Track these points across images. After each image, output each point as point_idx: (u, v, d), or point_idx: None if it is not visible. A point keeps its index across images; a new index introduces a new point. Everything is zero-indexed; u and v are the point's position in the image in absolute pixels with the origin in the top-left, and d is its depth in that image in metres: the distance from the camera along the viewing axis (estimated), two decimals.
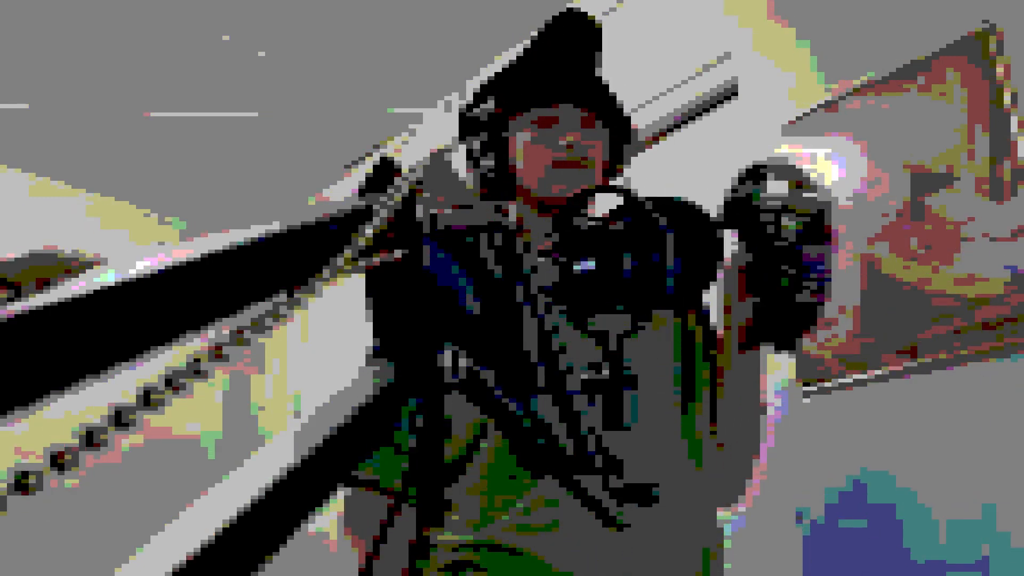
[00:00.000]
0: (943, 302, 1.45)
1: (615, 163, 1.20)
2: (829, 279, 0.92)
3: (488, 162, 1.13)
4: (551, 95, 1.13)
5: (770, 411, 1.65)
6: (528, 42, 1.14)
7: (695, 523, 1.03)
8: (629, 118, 1.21)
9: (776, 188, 0.93)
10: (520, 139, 1.12)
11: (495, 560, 0.95)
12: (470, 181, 1.16)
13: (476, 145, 1.14)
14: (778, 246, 0.91)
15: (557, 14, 1.12)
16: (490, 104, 1.13)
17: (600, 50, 1.16)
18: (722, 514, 1.08)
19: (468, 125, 1.16)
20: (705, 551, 1.03)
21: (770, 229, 0.91)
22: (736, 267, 0.98)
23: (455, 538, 0.98)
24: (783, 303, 0.92)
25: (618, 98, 1.18)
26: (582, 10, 1.12)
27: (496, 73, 1.17)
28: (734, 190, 0.94)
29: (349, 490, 1.05)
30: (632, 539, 0.94)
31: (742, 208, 0.93)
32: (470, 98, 1.18)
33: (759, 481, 1.15)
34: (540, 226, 1.12)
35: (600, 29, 1.14)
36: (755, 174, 0.94)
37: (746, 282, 0.97)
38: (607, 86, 1.17)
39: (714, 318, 1.11)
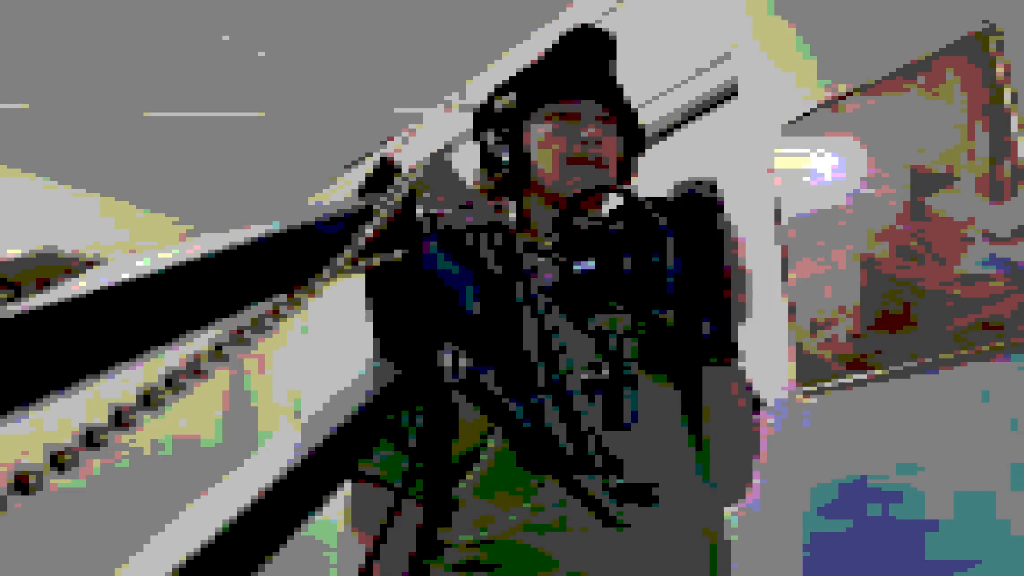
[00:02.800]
0: (943, 302, 1.45)
1: (627, 169, 1.22)
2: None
3: (504, 155, 1.14)
4: (573, 90, 1.14)
5: (770, 412, 1.65)
6: (548, 47, 1.16)
7: (701, 522, 1.03)
8: (643, 129, 1.23)
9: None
10: (538, 132, 1.13)
11: (505, 558, 0.95)
12: (482, 176, 1.17)
13: (491, 139, 1.15)
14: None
15: (574, 28, 1.15)
16: (510, 98, 1.15)
17: (615, 59, 1.18)
18: (726, 515, 1.09)
19: (484, 120, 1.18)
20: (712, 551, 1.03)
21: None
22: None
23: (465, 537, 0.98)
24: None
25: (633, 107, 1.20)
26: (597, 25, 1.15)
27: (515, 73, 1.19)
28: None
29: (354, 485, 1.05)
30: (641, 538, 0.94)
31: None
32: (481, 96, 1.19)
33: (760, 481, 1.15)
34: (547, 220, 1.14)
35: (615, 42, 1.16)
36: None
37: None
38: (623, 92, 1.19)
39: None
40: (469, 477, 1.00)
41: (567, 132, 1.12)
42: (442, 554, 0.98)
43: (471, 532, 0.97)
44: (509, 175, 1.14)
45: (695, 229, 0.80)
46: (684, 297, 0.76)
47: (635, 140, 1.22)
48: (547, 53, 1.17)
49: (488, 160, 1.16)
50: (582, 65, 1.15)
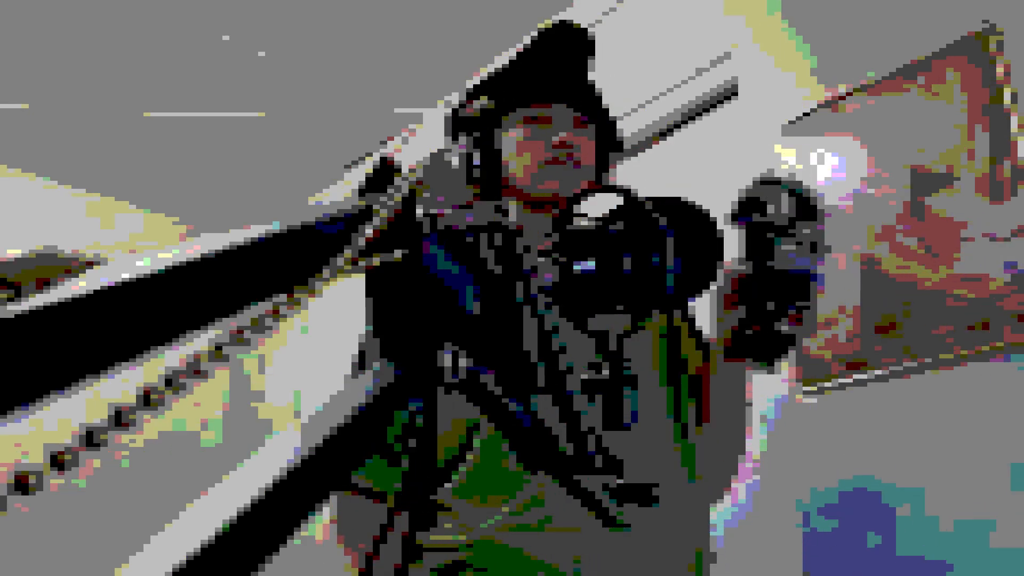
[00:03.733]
0: (943, 302, 1.45)
1: (602, 168, 1.21)
2: (812, 310, 0.92)
3: (477, 158, 1.14)
4: (545, 94, 1.14)
5: (769, 412, 1.65)
6: (521, 46, 1.15)
7: (689, 522, 1.04)
8: (620, 131, 1.23)
9: (783, 207, 0.92)
10: (512, 136, 1.13)
11: (490, 560, 0.95)
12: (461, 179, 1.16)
13: (466, 142, 1.15)
14: (772, 267, 0.91)
15: (549, 24, 1.13)
16: (483, 101, 1.14)
17: (592, 57, 1.17)
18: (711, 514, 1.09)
19: (458, 123, 1.17)
20: (697, 551, 1.03)
21: (768, 248, 0.91)
22: (731, 274, 0.98)
23: (450, 538, 0.98)
24: (765, 323, 0.92)
25: (609, 106, 1.20)
26: (574, 21, 1.14)
27: (490, 73, 1.18)
28: (748, 196, 0.94)
29: (340, 497, 1.05)
30: (627, 537, 0.94)
31: (751, 216, 0.93)
32: (463, 97, 1.19)
33: (759, 480, 1.16)
34: (530, 224, 1.13)
35: (592, 39, 1.15)
36: (768, 184, 0.94)
37: (737, 292, 0.97)
38: (598, 93, 1.18)
39: (703, 319, 1.11)
40: (455, 478, 1.00)
41: (540, 137, 1.12)
42: (429, 556, 0.98)
43: (455, 534, 0.97)
44: (482, 179, 1.14)
45: (695, 229, 0.80)
46: (684, 297, 0.76)
47: (610, 142, 1.21)
48: (521, 53, 1.16)
49: (463, 163, 1.16)
50: (555, 67, 1.15)
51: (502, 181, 1.14)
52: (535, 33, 1.14)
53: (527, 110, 1.13)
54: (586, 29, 1.15)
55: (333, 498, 1.04)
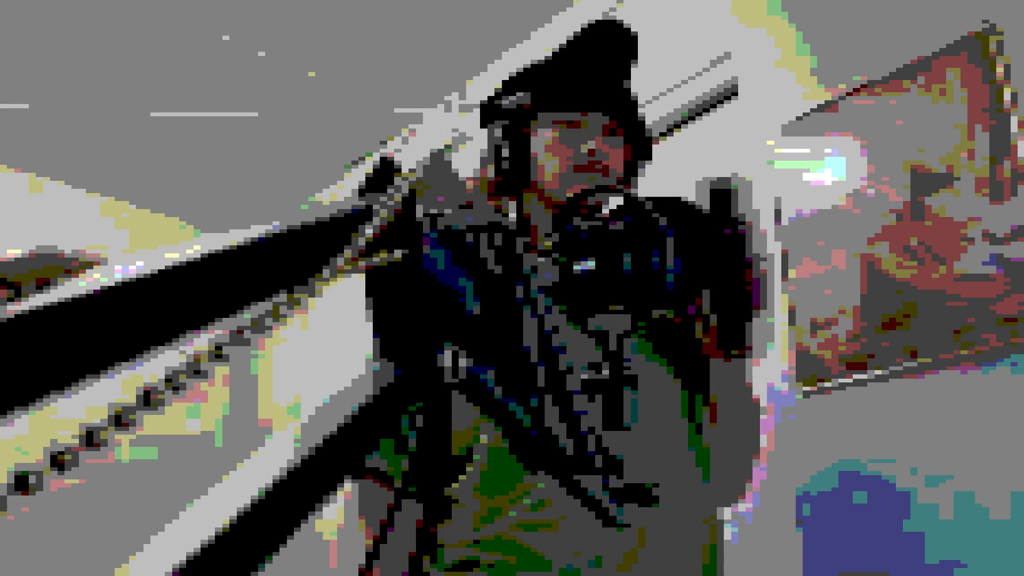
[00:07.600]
0: (943, 302, 1.45)
1: (630, 179, 1.21)
2: (731, 295, 0.94)
3: (506, 152, 1.13)
4: (584, 101, 1.13)
5: (769, 412, 1.65)
6: (564, 41, 1.14)
7: (698, 522, 1.03)
8: (651, 138, 1.22)
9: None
10: (544, 136, 1.12)
11: (502, 557, 0.95)
12: (484, 168, 1.15)
13: (497, 134, 1.14)
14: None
15: (595, 21, 1.13)
16: (520, 96, 1.13)
17: (636, 61, 1.16)
18: (722, 514, 1.09)
19: (491, 113, 1.16)
20: (709, 550, 1.03)
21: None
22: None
23: (462, 536, 0.98)
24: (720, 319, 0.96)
25: (643, 115, 1.20)
26: (620, 21, 1.13)
27: (528, 67, 1.17)
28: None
29: (361, 482, 1.05)
30: (636, 538, 0.94)
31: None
32: (481, 96, 1.18)
33: (759, 481, 1.16)
34: (548, 224, 1.13)
35: (636, 41, 1.15)
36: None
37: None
38: (636, 102, 1.18)
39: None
40: (469, 471, 1.00)
41: (570, 141, 1.11)
42: (439, 553, 0.98)
43: (467, 531, 0.97)
44: (510, 173, 1.13)
45: (695, 229, 0.80)
46: (684, 297, 0.77)
47: (641, 150, 1.21)
48: (562, 50, 1.14)
49: (492, 155, 1.15)
50: (594, 75, 1.14)
51: (528, 176, 1.14)
52: (581, 29, 1.13)
53: (561, 114, 1.13)
54: (634, 33, 1.14)
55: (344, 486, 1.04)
